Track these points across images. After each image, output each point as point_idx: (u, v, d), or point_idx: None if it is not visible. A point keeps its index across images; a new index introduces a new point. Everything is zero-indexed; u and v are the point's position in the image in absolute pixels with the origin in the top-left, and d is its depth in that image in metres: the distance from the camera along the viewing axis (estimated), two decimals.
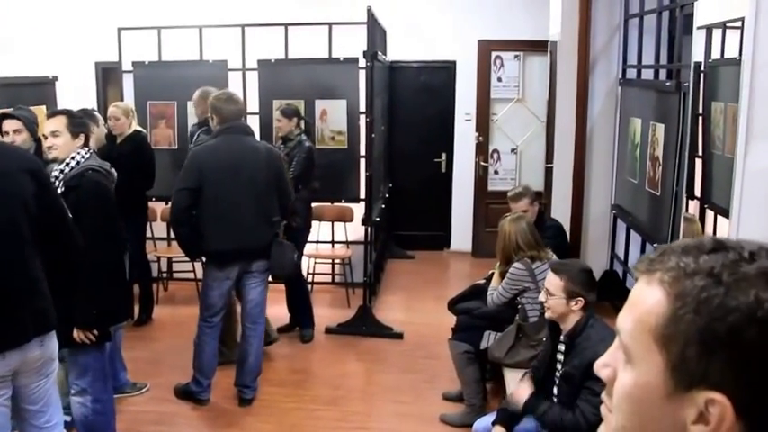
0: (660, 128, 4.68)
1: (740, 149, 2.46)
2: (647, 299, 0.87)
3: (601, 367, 0.95)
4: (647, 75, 5.45)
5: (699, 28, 5.08)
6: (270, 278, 5.17)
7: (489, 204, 8.74)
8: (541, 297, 3.46)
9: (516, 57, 8.66)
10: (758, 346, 0.79)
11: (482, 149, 8.87)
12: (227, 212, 4.68)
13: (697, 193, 5.51)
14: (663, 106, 4.78)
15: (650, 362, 0.86)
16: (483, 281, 5.05)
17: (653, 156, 4.82)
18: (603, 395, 0.95)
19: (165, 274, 7.66)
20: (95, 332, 3.75)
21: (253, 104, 7.08)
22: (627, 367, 0.90)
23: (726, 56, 5.24)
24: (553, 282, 3.37)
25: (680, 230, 4.27)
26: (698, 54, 5.15)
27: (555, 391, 3.43)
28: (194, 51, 7.20)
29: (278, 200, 4.92)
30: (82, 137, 3.86)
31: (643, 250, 5.28)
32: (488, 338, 4.54)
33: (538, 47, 7.80)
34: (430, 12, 8.52)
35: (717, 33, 5.45)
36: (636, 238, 5.64)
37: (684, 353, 0.83)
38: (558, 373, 3.43)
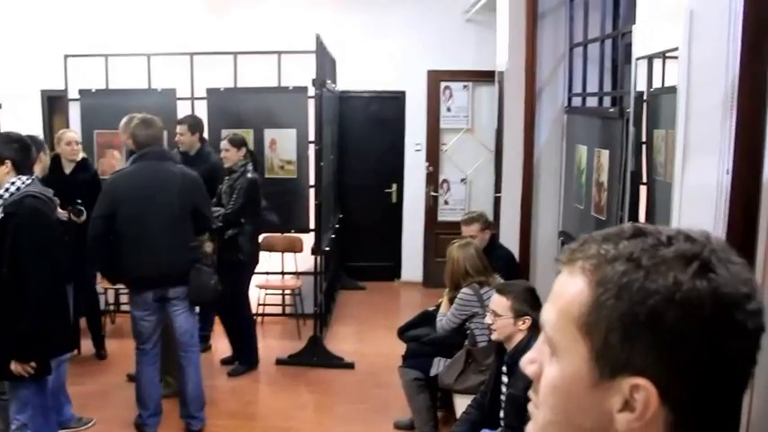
0: (605, 154, 4.74)
1: (678, 165, 2.51)
2: (570, 288, 0.87)
3: (527, 364, 0.93)
4: (592, 102, 5.53)
5: (639, 58, 5.19)
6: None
7: (439, 234, 8.76)
8: (488, 319, 3.45)
9: (465, 87, 8.76)
10: (678, 329, 0.79)
11: (432, 179, 8.92)
12: (141, 239, 4.65)
13: (642, 218, 5.57)
14: (607, 132, 4.85)
15: (575, 352, 0.85)
16: (432, 308, 5.04)
17: (598, 181, 4.87)
18: (531, 392, 0.94)
19: (112, 307, 7.50)
20: (33, 364, 3.64)
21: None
22: (552, 360, 0.89)
23: (666, 84, 5.35)
24: (499, 302, 3.37)
25: None
26: (641, 83, 5.25)
27: (502, 414, 3.41)
28: (142, 79, 7.13)
29: (195, 224, 4.87)
30: (8, 163, 3.74)
31: None
32: (438, 365, 4.51)
33: (486, 77, 7.89)
34: (379, 42, 8.58)
35: (658, 63, 5.57)
36: None
37: (608, 340, 0.82)
38: (503, 397, 3.41)
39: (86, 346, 6.52)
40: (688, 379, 0.80)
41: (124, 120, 5.59)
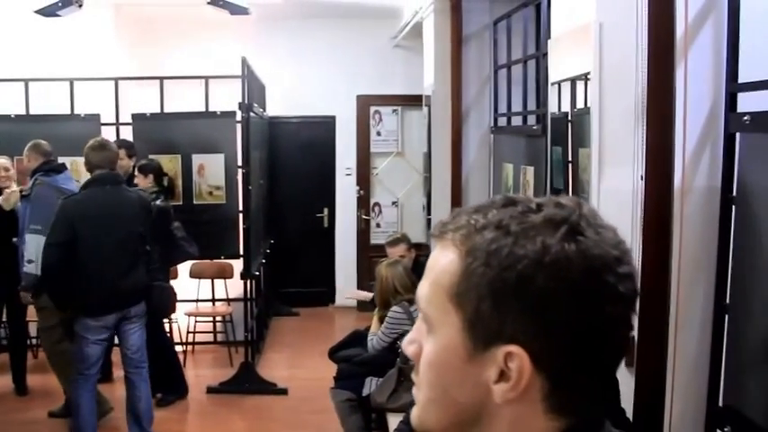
0: (530, 170, 4.82)
1: (594, 173, 2.58)
2: (441, 261, 0.85)
3: (407, 345, 0.91)
4: (517, 122, 5.64)
5: (563, 81, 5.31)
6: None
7: (372, 258, 8.73)
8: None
9: (394, 111, 8.84)
10: (548, 293, 0.78)
11: (364, 203, 8.95)
12: (104, 263, 4.59)
13: None
14: (532, 149, 4.94)
15: (448, 324, 0.84)
16: (363, 328, 5.03)
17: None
18: (413, 375, 0.91)
19: (34, 341, 7.26)
20: None
21: None
22: (429, 337, 0.87)
23: (589, 105, 5.48)
24: None
25: None
26: (565, 104, 5.38)
27: None
28: (65, 105, 6.97)
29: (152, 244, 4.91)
30: None
31: None
32: (370, 384, 4.49)
33: (415, 101, 7.97)
34: (309, 68, 8.60)
35: (581, 85, 5.71)
36: None
37: (479, 308, 0.81)
38: None
39: (3, 380, 6.29)
40: (561, 345, 0.79)
41: (29, 144, 5.50)
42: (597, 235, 0.82)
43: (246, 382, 6.27)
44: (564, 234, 0.80)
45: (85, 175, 6.57)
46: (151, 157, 6.40)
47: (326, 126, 8.95)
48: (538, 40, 5.02)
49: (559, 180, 4.72)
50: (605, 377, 0.86)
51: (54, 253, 4.54)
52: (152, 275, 4.95)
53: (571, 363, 0.81)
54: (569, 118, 5.52)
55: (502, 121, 5.90)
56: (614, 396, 2.15)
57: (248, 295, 6.50)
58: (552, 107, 5.81)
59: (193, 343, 7.32)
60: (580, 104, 5.66)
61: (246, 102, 6.14)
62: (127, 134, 6.91)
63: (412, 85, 8.02)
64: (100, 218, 4.62)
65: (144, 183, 5.90)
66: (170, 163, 6.68)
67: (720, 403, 2.31)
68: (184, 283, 6.88)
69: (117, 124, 7.02)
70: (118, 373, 5.66)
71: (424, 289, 0.88)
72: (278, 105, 8.57)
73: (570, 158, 5.54)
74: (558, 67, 4.59)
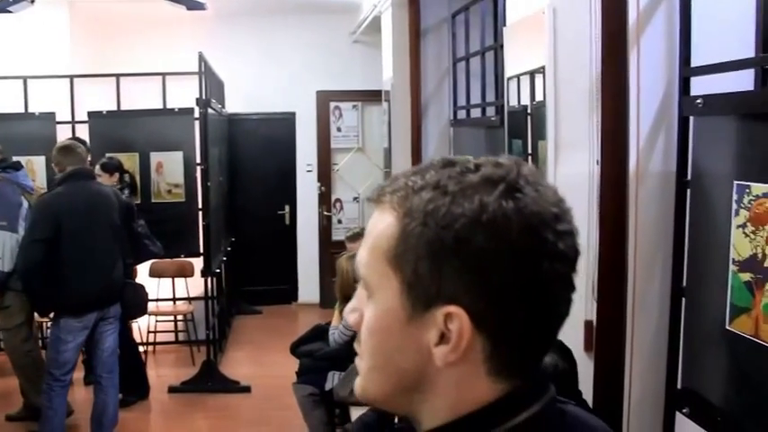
0: None
1: (551, 158, 2.59)
2: (379, 225, 0.84)
3: (348, 313, 0.90)
4: (477, 114, 5.65)
5: (522, 74, 5.33)
6: None
7: (334, 254, 8.64)
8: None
9: (354, 106, 8.81)
10: (486, 251, 0.77)
11: (325, 199, 8.91)
12: (87, 259, 4.56)
13: None
14: (491, 141, 4.96)
15: (387, 288, 0.83)
16: (325, 322, 5.00)
17: None
18: (355, 344, 0.90)
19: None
20: None
21: None
22: (369, 303, 0.86)
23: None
24: None
25: None
26: (524, 97, 5.40)
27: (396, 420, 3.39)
28: (19, 103, 6.84)
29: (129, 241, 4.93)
30: None
31: None
32: (333, 379, 4.46)
33: (374, 96, 7.95)
34: (268, 64, 8.54)
35: (540, 78, 5.74)
36: None
37: (417, 270, 0.80)
38: None
39: None
40: (500, 304, 0.78)
41: None
42: (536, 192, 0.81)
43: (209, 381, 6.22)
44: (501, 192, 0.79)
45: (41, 175, 6.49)
46: (109, 155, 6.30)
47: (287, 122, 8.89)
48: (496, 32, 5.03)
49: None
50: (549, 339, 0.85)
51: (39, 250, 4.48)
52: (127, 272, 4.93)
53: (512, 323, 0.80)
54: (528, 111, 5.56)
55: (461, 114, 5.90)
56: (572, 379, 2.15)
57: (209, 293, 6.43)
58: (512, 100, 5.85)
59: (154, 343, 7.24)
60: (539, 97, 5.70)
61: (204, 97, 6.07)
62: (82, 133, 6.79)
63: (372, 80, 8.00)
64: (85, 212, 4.61)
65: (109, 181, 5.80)
66: (128, 161, 6.58)
67: (679, 385, 2.33)
68: (144, 282, 6.79)
69: (72, 123, 6.92)
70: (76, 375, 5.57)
71: (362, 254, 0.86)
72: (237, 103, 8.50)
73: (530, 151, 5.58)
74: (515, 57, 4.61)
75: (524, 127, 5.01)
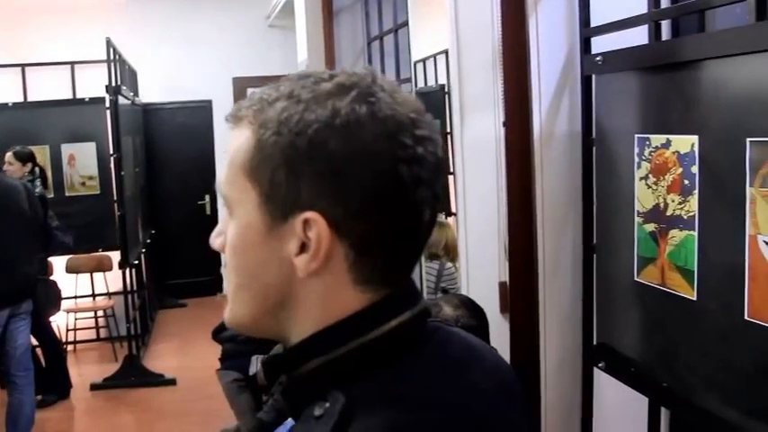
0: None
1: (456, 122, 2.60)
2: (236, 140, 0.83)
3: (214, 238, 0.88)
4: None
5: (439, 53, 5.35)
6: None
7: None
8: None
9: None
10: (341, 156, 0.77)
11: None
12: (2, 250, 4.41)
13: (454, 208, 5.74)
14: None
15: (247, 202, 0.82)
16: None
17: None
18: (222, 270, 0.90)
19: None
20: None
21: None
22: (231, 222, 0.85)
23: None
24: None
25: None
26: (442, 76, 5.43)
27: None
28: None
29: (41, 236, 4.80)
30: None
31: None
32: (257, 363, 4.40)
33: None
34: (182, 52, 8.35)
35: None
36: None
37: (274, 179, 0.79)
38: None
39: None
40: (358, 209, 0.78)
41: None
42: (391, 98, 0.80)
43: (132, 376, 6.10)
44: (354, 97, 0.79)
45: None
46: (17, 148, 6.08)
47: (203, 110, 8.74)
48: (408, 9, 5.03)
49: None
50: (416, 249, 0.85)
51: None
52: (41, 268, 4.78)
53: (372, 229, 0.79)
54: (446, 90, 5.58)
55: None
56: (482, 336, 2.16)
57: (129, 287, 6.28)
58: (429, 80, 5.86)
59: (75, 341, 7.05)
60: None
61: (114, 84, 5.90)
62: None
63: (288, 64, 7.89)
64: None
65: (21, 171, 5.62)
66: (38, 154, 6.36)
67: (595, 341, 2.37)
68: (61, 278, 6.60)
69: None
70: None
71: (222, 174, 0.85)
72: (152, 92, 8.33)
73: (449, 130, 5.60)
74: (426, 34, 4.62)
75: (442, 106, 5.02)
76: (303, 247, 0.79)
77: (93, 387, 6.08)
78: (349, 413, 0.76)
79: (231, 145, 0.84)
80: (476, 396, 0.84)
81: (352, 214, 0.78)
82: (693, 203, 1.85)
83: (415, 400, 0.78)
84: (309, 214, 0.78)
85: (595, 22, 2.31)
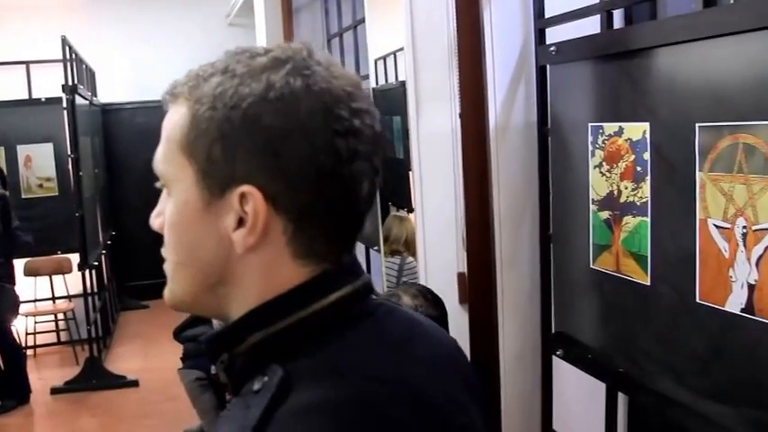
0: None
1: (412, 114, 2.61)
2: (172, 118, 0.83)
3: (154, 218, 0.88)
4: None
5: (398, 50, 5.34)
6: None
7: None
8: None
9: None
10: (276, 129, 0.77)
11: None
12: None
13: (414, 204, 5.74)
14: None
15: (184, 178, 0.81)
16: None
17: None
18: (162, 250, 0.88)
19: None
20: None
21: None
22: (168, 200, 0.84)
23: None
24: None
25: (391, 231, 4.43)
26: (402, 74, 5.42)
27: None
28: None
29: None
30: None
31: (368, 259, 5.40)
32: None
33: None
34: (142, 51, 8.27)
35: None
36: (359, 247, 5.79)
37: (210, 154, 0.79)
38: None
39: None
40: (295, 182, 0.78)
41: None
42: (327, 71, 0.80)
43: (93, 378, 6.03)
44: (289, 70, 0.79)
45: None
46: None
47: (163, 111, 8.58)
48: None
49: (400, 148, 4.74)
50: (356, 223, 0.85)
51: None
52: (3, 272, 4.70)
53: (310, 202, 0.79)
54: (405, 86, 5.58)
55: None
56: (441, 325, 2.17)
57: (89, 289, 6.20)
58: (390, 77, 5.86)
59: (35, 346, 6.95)
60: None
61: (70, 84, 5.82)
62: None
63: None
64: None
65: None
66: None
67: (553, 330, 2.39)
68: (19, 281, 6.48)
69: None
70: None
71: (158, 151, 0.85)
72: (111, 92, 8.24)
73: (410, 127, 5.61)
74: (383, 31, 4.61)
75: (403, 103, 5.02)
76: (241, 222, 0.79)
77: (54, 391, 6.00)
78: (287, 386, 0.76)
79: (167, 122, 0.84)
80: (414, 369, 0.84)
81: (289, 187, 0.78)
82: (646, 190, 1.88)
83: (353, 373, 0.78)
84: (246, 188, 0.78)
85: (550, 12, 2.33)
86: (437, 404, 0.83)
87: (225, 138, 0.78)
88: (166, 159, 0.84)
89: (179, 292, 0.87)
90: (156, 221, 0.88)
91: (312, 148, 0.77)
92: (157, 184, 0.87)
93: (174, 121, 0.82)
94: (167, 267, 0.87)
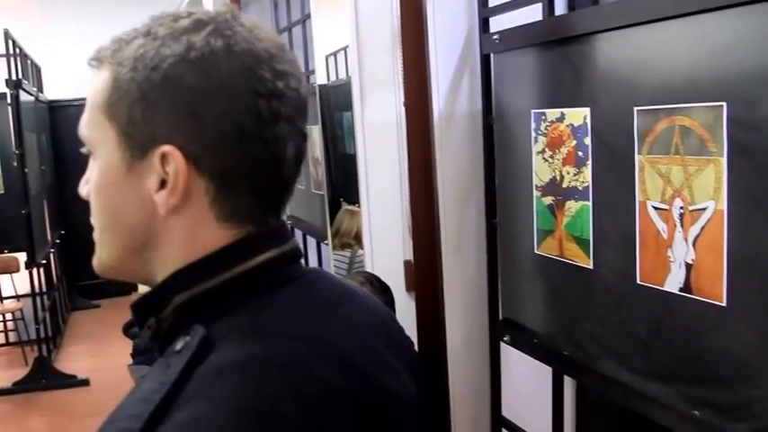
0: (315, 129, 4.79)
1: (356, 103, 2.61)
2: (96, 82, 0.82)
3: (82, 186, 0.88)
4: None
5: (346, 48, 5.32)
6: None
7: None
8: None
9: None
10: (197, 89, 0.77)
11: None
12: None
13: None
14: (312, 108, 4.93)
15: (107, 141, 0.81)
16: None
17: (313, 157, 4.94)
18: (91, 219, 0.87)
19: None
20: None
21: None
22: (94, 165, 0.84)
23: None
24: None
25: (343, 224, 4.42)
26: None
27: None
28: None
29: None
30: None
31: (319, 254, 5.38)
32: None
33: None
34: (89, 47, 7.76)
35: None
36: (312, 242, 5.76)
37: (131, 115, 0.78)
38: None
39: None
40: (216, 142, 0.78)
41: None
42: (250, 33, 0.80)
43: (43, 378, 5.94)
44: (210, 31, 0.79)
45: None
46: None
47: None
48: None
49: (351, 144, 4.73)
50: (282, 186, 0.84)
51: None
52: None
53: (232, 163, 0.79)
54: (351, 79, 5.57)
55: None
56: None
57: (37, 288, 6.09)
58: (341, 73, 5.84)
59: None
60: None
61: (14, 78, 5.70)
62: None
63: None
64: None
65: None
66: None
67: (500, 317, 2.40)
68: None
69: None
70: None
71: (83, 117, 0.84)
72: (59, 88, 8.08)
73: None
74: (331, 25, 4.60)
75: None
76: (163, 184, 0.79)
77: (2, 392, 5.90)
78: (208, 344, 0.75)
79: (91, 87, 0.83)
80: (342, 331, 0.84)
81: (210, 148, 0.78)
82: (587, 174, 1.90)
83: (278, 333, 0.78)
84: (166, 148, 0.77)
85: (494, 2, 2.34)
86: (365, 366, 0.83)
87: (145, 98, 0.78)
88: (90, 124, 0.83)
89: (105, 257, 0.86)
90: (83, 189, 0.87)
91: (233, 108, 0.77)
92: (83, 150, 0.86)
93: (98, 85, 0.82)
94: (95, 234, 0.87)
